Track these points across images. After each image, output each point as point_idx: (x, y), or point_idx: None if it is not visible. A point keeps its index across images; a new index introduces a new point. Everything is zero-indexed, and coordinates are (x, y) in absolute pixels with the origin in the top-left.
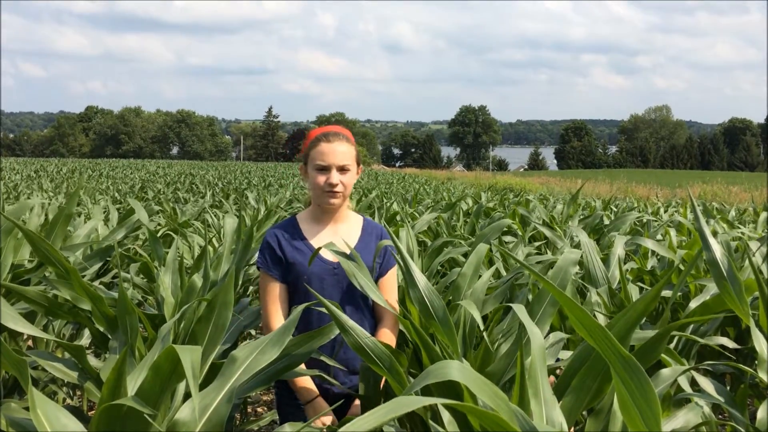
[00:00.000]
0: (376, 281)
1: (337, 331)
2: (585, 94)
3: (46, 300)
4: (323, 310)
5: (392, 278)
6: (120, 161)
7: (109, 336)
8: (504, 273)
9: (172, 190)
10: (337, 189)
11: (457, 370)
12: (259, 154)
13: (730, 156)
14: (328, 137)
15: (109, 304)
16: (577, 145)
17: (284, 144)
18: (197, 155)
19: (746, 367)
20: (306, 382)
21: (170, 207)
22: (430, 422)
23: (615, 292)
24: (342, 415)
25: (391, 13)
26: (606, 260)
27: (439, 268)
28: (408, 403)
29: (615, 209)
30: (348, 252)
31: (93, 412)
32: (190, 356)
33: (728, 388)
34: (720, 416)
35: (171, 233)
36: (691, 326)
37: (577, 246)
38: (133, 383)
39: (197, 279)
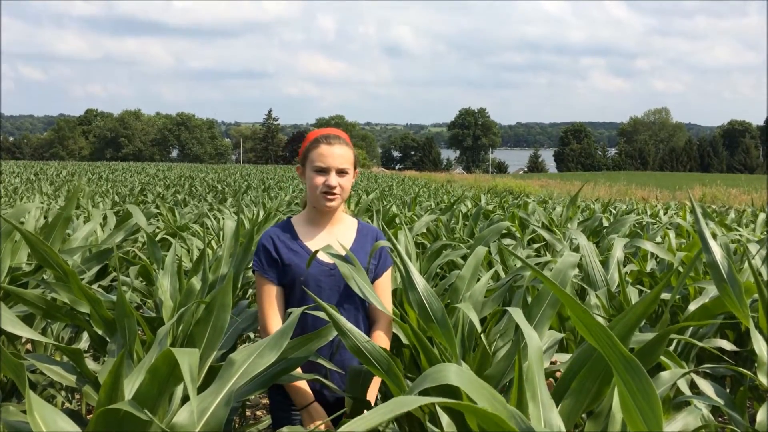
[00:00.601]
0: (372, 282)
1: (335, 334)
2: (584, 96)
3: (44, 302)
4: (320, 312)
5: (387, 280)
6: (120, 164)
7: (108, 339)
8: (503, 275)
9: (171, 193)
10: (335, 191)
11: (455, 373)
12: (259, 157)
13: (729, 158)
14: (328, 139)
15: (107, 307)
16: (576, 147)
17: (284, 147)
18: (197, 158)
19: (745, 371)
20: (302, 386)
21: (167, 209)
22: (428, 425)
23: (614, 295)
24: (337, 420)
25: (391, 16)
26: (605, 263)
27: (438, 270)
28: (407, 402)
29: (614, 211)
30: (344, 254)
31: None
32: (187, 359)
33: (728, 390)
34: (719, 419)
35: (169, 237)
36: (691, 329)
37: (577, 249)
38: (130, 386)
39: (196, 282)
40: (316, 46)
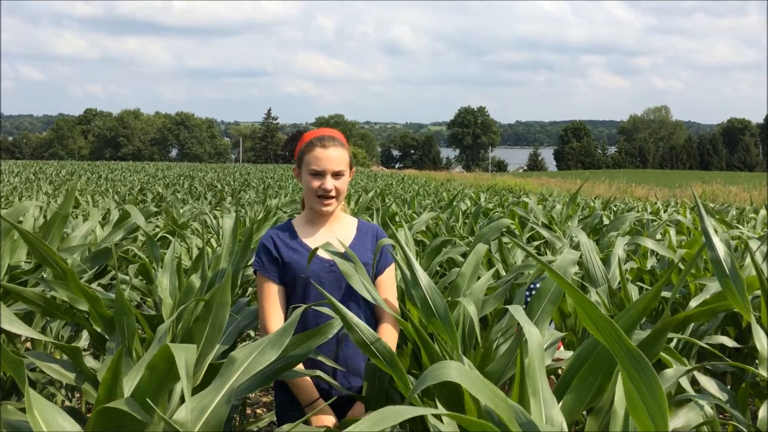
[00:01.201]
0: (374, 280)
1: (336, 330)
2: (584, 95)
3: (43, 300)
4: (321, 309)
5: (390, 276)
6: (119, 164)
7: (107, 337)
8: (504, 273)
9: (171, 192)
10: (331, 195)
11: (455, 370)
12: (259, 156)
13: (728, 156)
14: (323, 142)
15: (106, 305)
16: (576, 145)
17: (283, 146)
18: (196, 157)
19: (748, 366)
20: (306, 383)
21: (168, 207)
22: (430, 421)
23: (615, 292)
24: (341, 417)
25: (390, 15)
26: (606, 260)
27: (438, 268)
28: (394, 415)
29: (614, 209)
30: (343, 251)
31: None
32: (184, 354)
33: (729, 387)
34: (721, 416)
35: (168, 236)
36: (692, 326)
37: (576, 246)
38: (129, 384)
39: (195, 280)
40: (315, 44)
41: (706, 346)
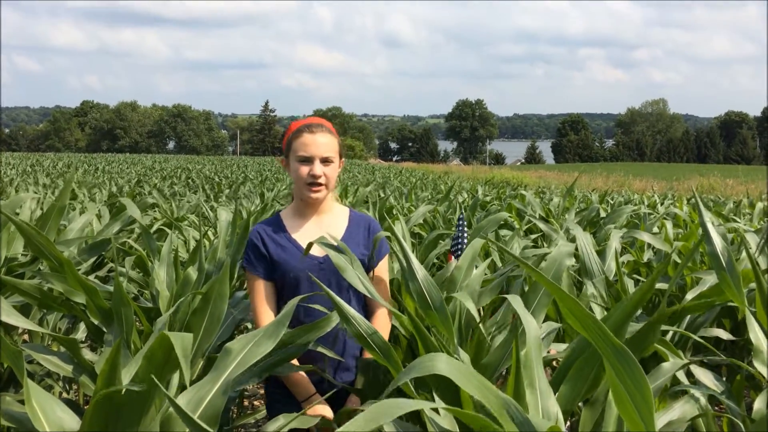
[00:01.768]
0: (368, 272)
1: (332, 325)
2: (582, 87)
3: (40, 293)
4: (314, 306)
5: (384, 268)
6: (116, 156)
7: (104, 329)
8: (500, 265)
9: (168, 185)
10: (320, 181)
11: (444, 363)
12: (256, 149)
13: (726, 149)
14: (310, 128)
15: (104, 297)
16: (574, 138)
17: (281, 138)
18: (194, 150)
19: (743, 363)
20: (303, 379)
21: (165, 201)
22: (426, 413)
23: (612, 283)
24: (335, 411)
25: (389, 7)
26: (602, 253)
27: (435, 261)
28: (393, 408)
29: (611, 202)
30: (334, 245)
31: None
32: (181, 342)
33: (724, 379)
34: (716, 408)
35: (165, 228)
36: (688, 318)
37: (574, 239)
38: (127, 376)
39: (192, 272)
40: (313, 37)
41: (701, 340)
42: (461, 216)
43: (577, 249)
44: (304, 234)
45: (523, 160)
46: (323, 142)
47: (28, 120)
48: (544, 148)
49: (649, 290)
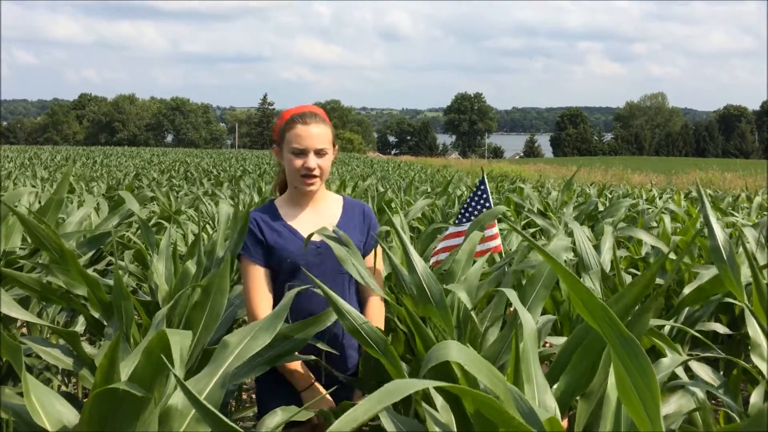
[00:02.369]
0: (364, 257)
1: (333, 319)
2: (581, 81)
3: (39, 285)
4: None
5: (378, 255)
6: (114, 149)
7: (104, 323)
8: (498, 259)
9: (166, 178)
10: (314, 173)
11: (456, 350)
12: (255, 142)
13: (725, 143)
14: (304, 118)
15: (104, 290)
16: (572, 132)
17: None
18: (192, 143)
19: (740, 360)
20: (301, 368)
21: (164, 194)
22: (423, 405)
23: (608, 276)
24: (337, 402)
25: (387, 0)
26: (598, 247)
27: None
28: (400, 389)
29: (610, 196)
30: (331, 233)
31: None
32: (179, 341)
33: (721, 373)
34: (713, 402)
35: (164, 222)
36: (685, 312)
37: (571, 234)
38: (126, 369)
39: (191, 265)
40: (312, 30)
41: (698, 335)
42: (482, 180)
43: (574, 243)
44: (300, 221)
45: (522, 154)
46: (317, 133)
47: (26, 113)
48: (543, 141)
49: (648, 284)
